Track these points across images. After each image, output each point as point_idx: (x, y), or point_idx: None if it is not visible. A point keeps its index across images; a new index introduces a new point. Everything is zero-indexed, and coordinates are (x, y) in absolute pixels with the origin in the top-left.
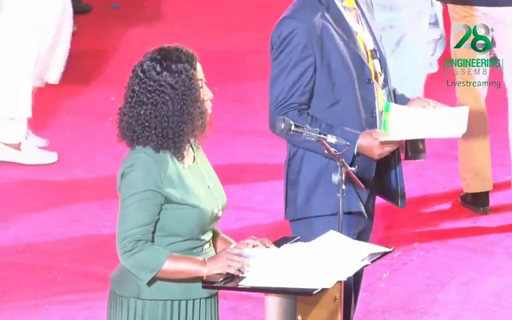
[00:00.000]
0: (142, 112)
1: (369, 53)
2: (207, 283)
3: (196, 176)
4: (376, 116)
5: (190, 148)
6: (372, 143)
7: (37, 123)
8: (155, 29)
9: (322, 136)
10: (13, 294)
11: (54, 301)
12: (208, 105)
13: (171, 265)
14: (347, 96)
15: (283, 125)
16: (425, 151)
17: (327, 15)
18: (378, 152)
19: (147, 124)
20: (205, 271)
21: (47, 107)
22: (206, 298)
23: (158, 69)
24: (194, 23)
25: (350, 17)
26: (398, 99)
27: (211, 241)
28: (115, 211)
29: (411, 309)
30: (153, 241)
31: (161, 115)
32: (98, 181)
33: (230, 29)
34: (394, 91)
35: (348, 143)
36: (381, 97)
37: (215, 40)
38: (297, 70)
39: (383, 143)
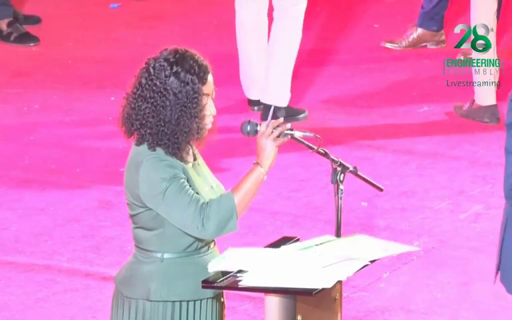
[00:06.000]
0: (143, 107)
1: None
2: (207, 283)
3: (199, 174)
4: None
5: (189, 148)
6: None
7: (37, 123)
8: (155, 29)
9: (289, 132)
10: (13, 294)
11: (54, 300)
12: (209, 120)
13: (239, 196)
14: None
15: (248, 127)
16: None
17: None
18: None
19: (144, 121)
20: (262, 170)
21: (47, 106)
22: (212, 298)
23: (167, 71)
24: (194, 23)
25: None
26: None
27: (215, 239)
28: (115, 211)
29: (410, 309)
30: (163, 237)
31: (158, 117)
32: (98, 181)
33: (230, 29)
34: None
35: (318, 136)
36: None
37: (215, 40)
38: None
39: None
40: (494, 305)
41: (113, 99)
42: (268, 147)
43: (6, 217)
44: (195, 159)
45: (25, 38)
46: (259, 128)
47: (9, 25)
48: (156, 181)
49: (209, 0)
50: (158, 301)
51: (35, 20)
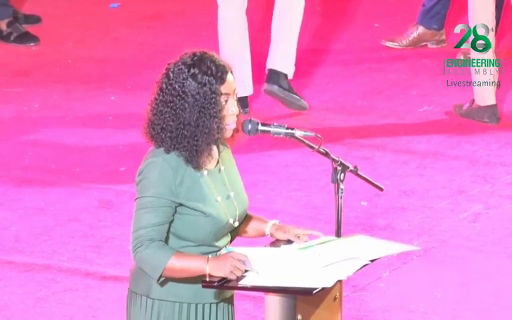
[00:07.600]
0: (163, 112)
1: None
2: (207, 283)
3: (215, 183)
4: None
5: (215, 151)
6: None
7: (37, 122)
8: (155, 29)
9: (289, 131)
10: (13, 293)
11: (54, 300)
12: (231, 120)
13: (175, 262)
14: None
15: (249, 126)
16: None
17: None
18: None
19: (164, 125)
20: (207, 269)
21: (47, 106)
22: (217, 302)
23: (185, 74)
24: (194, 22)
25: None
26: None
27: (227, 246)
28: (115, 211)
29: (410, 309)
30: (166, 242)
31: (178, 121)
32: (98, 181)
33: None
34: None
35: (318, 135)
36: None
37: (215, 40)
38: None
39: None
40: (494, 304)
41: (113, 98)
42: (227, 266)
43: (6, 216)
44: (216, 165)
45: (25, 38)
46: (259, 127)
47: (9, 25)
48: (145, 180)
49: (209, 0)
50: (157, 299)
51: (34, 19)
